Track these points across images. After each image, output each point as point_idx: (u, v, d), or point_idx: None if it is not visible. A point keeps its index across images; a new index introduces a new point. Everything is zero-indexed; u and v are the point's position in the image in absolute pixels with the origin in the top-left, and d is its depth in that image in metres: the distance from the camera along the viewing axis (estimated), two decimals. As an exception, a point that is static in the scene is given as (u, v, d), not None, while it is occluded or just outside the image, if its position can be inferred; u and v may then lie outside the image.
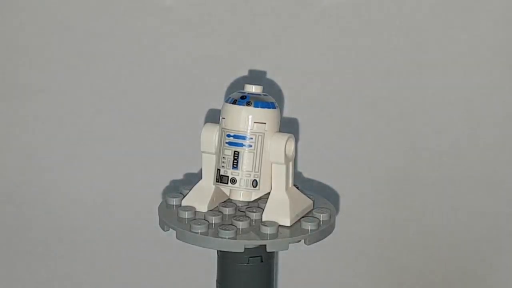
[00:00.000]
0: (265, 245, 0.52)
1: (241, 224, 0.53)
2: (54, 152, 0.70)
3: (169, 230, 0.55)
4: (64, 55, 0.68)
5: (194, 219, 0.54)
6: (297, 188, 0.57)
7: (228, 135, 0.55)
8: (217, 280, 0.57)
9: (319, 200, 0.59)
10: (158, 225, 0.56)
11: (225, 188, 0.56)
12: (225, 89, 0.67)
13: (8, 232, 0.72)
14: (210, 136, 0.56)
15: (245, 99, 0.54)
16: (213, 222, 0.54)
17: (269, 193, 0.55)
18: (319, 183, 0.69)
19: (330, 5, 0.65)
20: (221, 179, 0.55)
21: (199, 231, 0.53)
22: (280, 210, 0.54)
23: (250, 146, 0.54)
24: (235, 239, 0.52)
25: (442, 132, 0.67)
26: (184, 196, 0.57)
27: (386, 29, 0.65)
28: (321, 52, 0.66)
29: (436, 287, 0.70)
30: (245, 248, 0.52)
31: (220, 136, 0.55)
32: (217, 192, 0.56)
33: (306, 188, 0.59)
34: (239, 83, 0.66)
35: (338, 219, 0.58)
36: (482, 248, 0.69)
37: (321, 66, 0.66)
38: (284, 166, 0.55)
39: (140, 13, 0.66)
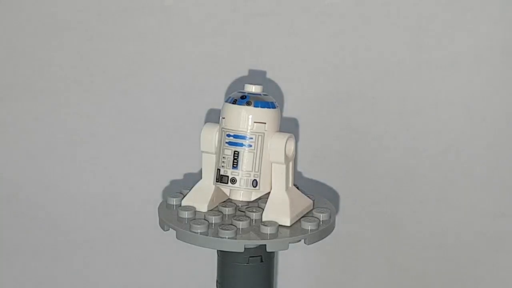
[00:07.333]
0: (265, 245, 0.52)
1: (241, 224, 0.53)
2: (54, 152, 0.70)
3: (169, 230, 0.55)
4: (64, 55, 0.68)
5: (194, 219, 0.54)
6: (297, 188, 0.57)
7: (228, 135, 0.54)
8: (217, 280, 0.57)
9: (319, 200, 0.59)
10: (158, 225, 0.56)
11: (225, 188, 0.56)
12: (225, 89, 0.67)
13: (8, 232, 0.72)
14: (210, 136, 0.56)
15: (245, 99, 0.54)
16: (213, 222, 0.54)
17: (269, 193, 0.55)
18: (319, 183, 0.69)
19: (330, 4, 0.65)
20: (221, 179, 0.55)
21: (199, 231, 0.53)
22: (280, 210, 0.54)
23: (250, 146, 0.54)
24: (235, 239, 0.52)
25: (442, 132, 0.67)
26: (184, 196, 0.57)
27: (386, 28, 0.65)
28: (321, 52, 0.66)
29: (436, 287, 0.70)
30: (245, 248, 0.52)
31: (220, 136, 0.55)
32: (217, 192, 0.56)
33: (306, 188, 0.59)
34: (239, 83, 0.66)
35: (338, 219, 0.58)
36: (482, 248, 0.69)
37: (321, 66, 0.66)
38: (284, 166, 0.55)
39: (140, 13, 0.66)
